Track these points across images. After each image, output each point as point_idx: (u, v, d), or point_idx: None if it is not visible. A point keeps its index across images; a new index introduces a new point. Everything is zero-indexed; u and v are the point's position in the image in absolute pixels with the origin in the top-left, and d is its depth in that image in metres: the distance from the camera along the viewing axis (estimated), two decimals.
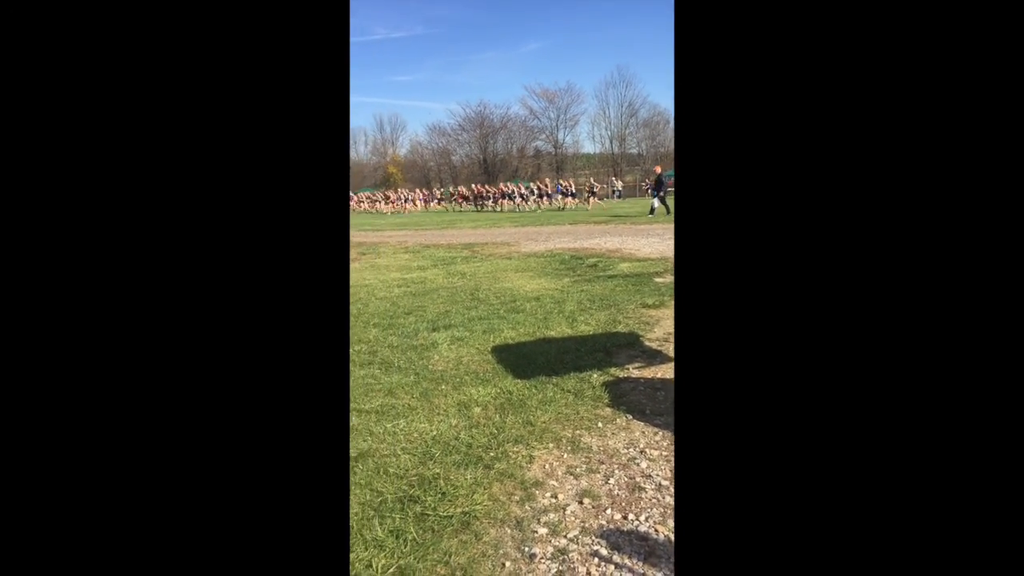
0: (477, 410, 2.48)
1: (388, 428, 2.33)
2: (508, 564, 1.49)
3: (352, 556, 1.53)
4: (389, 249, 9.58)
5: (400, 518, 1.69)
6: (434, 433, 2.27)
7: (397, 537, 1.60)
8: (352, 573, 1.47)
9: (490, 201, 24.21)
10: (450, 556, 1.52)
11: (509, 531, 1.61)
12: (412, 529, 1.64)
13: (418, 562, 1.50)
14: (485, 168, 45.28)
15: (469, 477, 1.91)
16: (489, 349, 3.40)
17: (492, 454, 2.08)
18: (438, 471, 1.96)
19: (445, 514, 1.70)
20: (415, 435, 2.26)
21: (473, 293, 5.24)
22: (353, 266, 7.62)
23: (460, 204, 26.08)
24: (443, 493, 1.82)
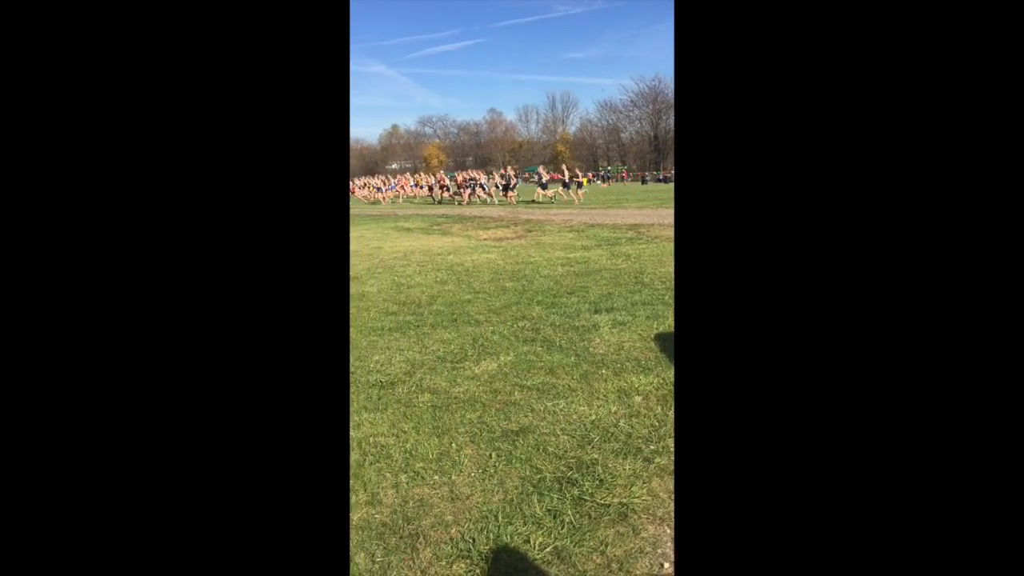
0: (638, 399, 2.42)
1: (548, 407, 2.37)
2: (667, 566, 1.43)
3: (511, 529, 1.59)
4: (554, 227, 9.69)
5: (558, 499, 1.71)
6: (593, 417, 2.26)
7: (555, 517, 1.62)
8: (511, 545, 1.53)
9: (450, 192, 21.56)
10: (606, 546, 1.50)
11: (668, 531, 1.55)
12: (569, 512, 1.65)
13: (574, 546, 1.50)
14: (655, 146, 43.55)
15: (628, 468, 1.87)
16: (652, 336, 3.29)
17: (652, 447, 2.01)
18: (596, 456, 1.95)
19: (603, 502, 1.69)
20: (574, 417, 2.27)
21: (637, 276, 5.10)
22: (519, 243, 7.85)
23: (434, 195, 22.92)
24: (601, 480, 1.80)
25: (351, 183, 28.11)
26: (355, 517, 1.68)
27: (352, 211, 16.57)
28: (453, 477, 1.87)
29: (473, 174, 21.90)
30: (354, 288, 5.06)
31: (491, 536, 1.57)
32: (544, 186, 19.46)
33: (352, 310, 4.24)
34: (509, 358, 3.01)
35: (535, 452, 2.01)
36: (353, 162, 70.19)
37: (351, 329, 3.72)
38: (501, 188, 19.42)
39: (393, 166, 58.82)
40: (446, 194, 21.89)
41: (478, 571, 1.45)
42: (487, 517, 1.65)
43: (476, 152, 67.97)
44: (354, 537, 1.59)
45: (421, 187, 24.90)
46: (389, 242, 8.53)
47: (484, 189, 19.76)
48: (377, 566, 1.47)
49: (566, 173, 19.37)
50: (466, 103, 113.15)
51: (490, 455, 2.01)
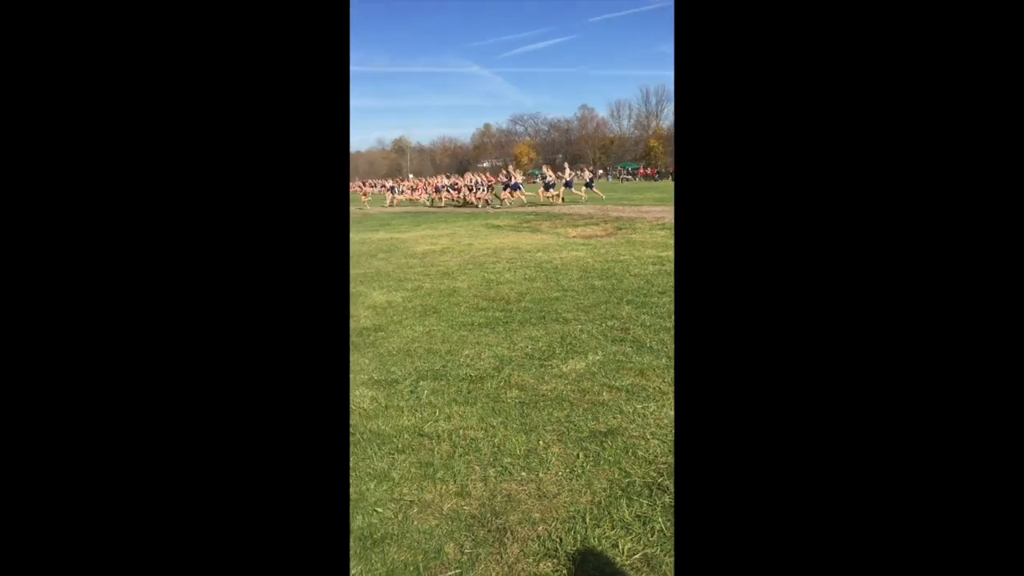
0: None
1: (638, 409, 2.31)
2: None
3: (599, 532, 1.56)
4: (645, 225, 9.46)
5: (648, 504, 1.67)
6: None
7: (644, 524, 1.58)
8: (599, 549, 1.51)
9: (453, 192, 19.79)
10: None
11: None
12: (659, 519, 1.60)
13: (665, 555, 1.46)
14: None
15: None
16: None
17: None
18: None
19: None
20: (665, 421, 2.20)
21: None
22: (608, 240, 7.73)
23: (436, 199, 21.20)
24: None
25: (364, 185, 27.72)
26: (445, 507, 1.72)
27: (437, 210, 17.05)
28: (540, 475, 1.88)
29: (478, 176, 20.42)
30: (445, 284, 5.20)
31: (578, 537, 1.55)
32: (550, 186, 18.34)
33: (443, 305, 4.36)
34: (598, 357, 2.97)
35: (624, 455, 1.97)
36: (446, 160, 72.22)
37: (442, 323, 3.83)
38: (505, 188, 18.36)
39: (484, 164, 59.92)
40: (449, 196, 20.43)
41: (565, 571, 1.44)
42: (574, 518, 1.63)
43: (566, 149, 67.67)
44: (444, 526, 1.63)
45: (414, 190, 23.15)
46: (480, 239, 8.69)
47: (520, 189, 18.57)
48: (466, 557, 1.50)
49: (567, 173, 18.49)
50: (558, 100, 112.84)
51: (577, 455, 1.99)
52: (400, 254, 7.43)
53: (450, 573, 1.45)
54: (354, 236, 10.09)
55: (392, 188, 23.22)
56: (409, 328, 3.76)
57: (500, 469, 1.92)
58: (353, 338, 3.59)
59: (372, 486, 1.86)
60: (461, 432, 2.21)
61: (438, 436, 2.18)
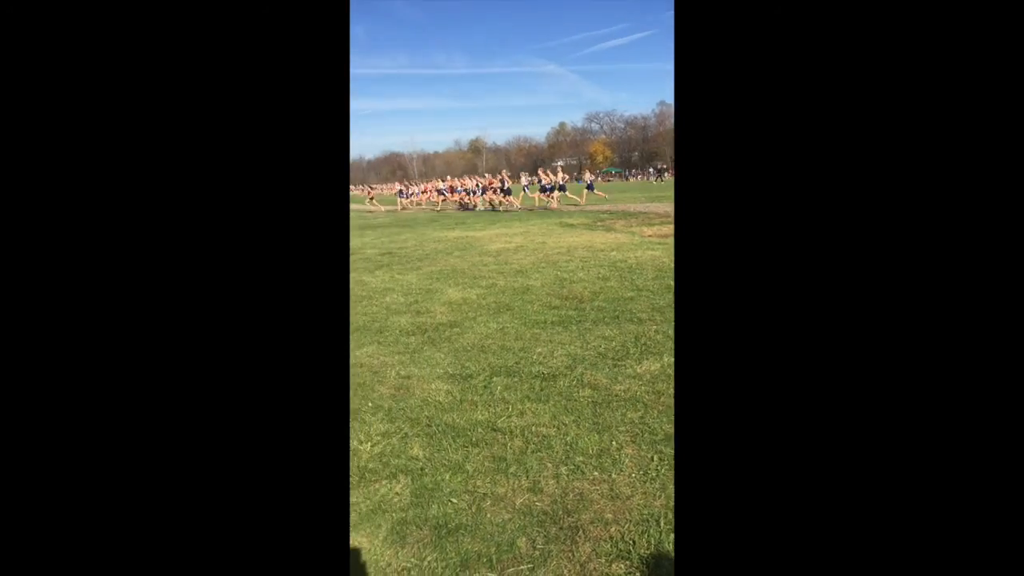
0: None
1: None
2: None
3: (674, 537, 1.53)
4: None
5: None
6: None
7: None
8: (673, 555, 1.47)
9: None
10: None
11: None
12: None
13: None
14: None
15: None
16: None
17: None
18: None
19: None
20: None
21: None
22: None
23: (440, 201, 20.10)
24: None
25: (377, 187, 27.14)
26: (517, 501, 1.74)
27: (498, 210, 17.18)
28: (613, 475, 1.86)
29: (467, 181, 19.91)
30: (519, 282, 5.24)
31: (652, 541, 1.52)
32: (546, 189, 17.66)
33: (517, 303, 4.40)
34: (673, 359, 2.90)
35: None
36: (521, 159, 72.56)
37: (515, 320, 3.86)
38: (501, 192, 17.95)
39: (559, 163, 59.81)
40: (451, 198, 19.79)
41: (638, 574, 1.42)
42: (648, 520, 1.61)
43: (643, 147, 66.33)
44: (516, 520, 1.65)
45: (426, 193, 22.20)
46: (553, 238, 8.69)
47: (511, 194, 18.07)
48: (538, 552, 1.51)
49: (559, 175, 17.75)
50: (635, 97, 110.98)
51: (652, 457, 1.96)
52: (474, 252, 7.56)
53: (522, 567, 1.47)
54: (430, 234, 10.37)
55: (400, 192, 22.90)
56: (483, 324, 3.82)
57: (572, 467, 1.92)
58: (429, 333, 3.69)
59: (447, 477, 1.91)
60: (533, 429, 2.22)
61: (511, 431, 2.21)
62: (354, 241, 9.63)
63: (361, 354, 3.41)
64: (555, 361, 3.01)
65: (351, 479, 1.93)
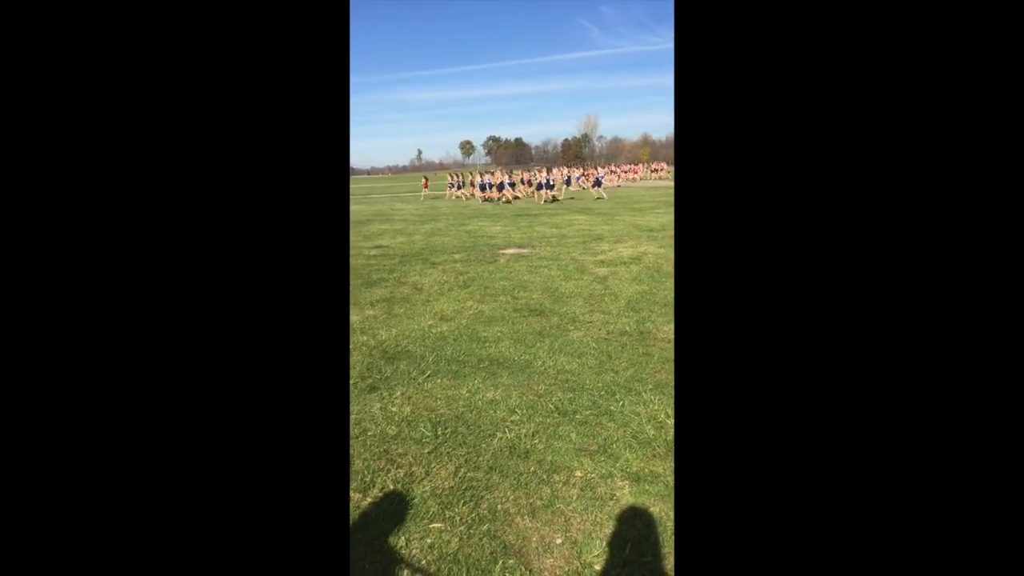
0: None
1: None
2: None
3: None
4: None
5: None
6: None
7: None
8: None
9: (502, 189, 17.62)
10: None
11: None
12: None
13: None
14: None
15: None
16: None
17: None
18: None
19: None
20: None
21: None
22: None
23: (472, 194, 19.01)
24: None
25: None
26: None
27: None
28: None
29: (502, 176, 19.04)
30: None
31: None
32: (546, 186, 16.98)
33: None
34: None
35: None
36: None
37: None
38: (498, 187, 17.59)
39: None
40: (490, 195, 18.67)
41: None
42: None
43: None
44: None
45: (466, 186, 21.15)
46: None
47: (505, 188, 17.71)
48: None
49: (563, 172, 16.53)
50: None
51: None
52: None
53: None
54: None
55: (451, 185, 22.34)
56: None
57: None
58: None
59: None
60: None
61: None
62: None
63: None
64: None
65: None
